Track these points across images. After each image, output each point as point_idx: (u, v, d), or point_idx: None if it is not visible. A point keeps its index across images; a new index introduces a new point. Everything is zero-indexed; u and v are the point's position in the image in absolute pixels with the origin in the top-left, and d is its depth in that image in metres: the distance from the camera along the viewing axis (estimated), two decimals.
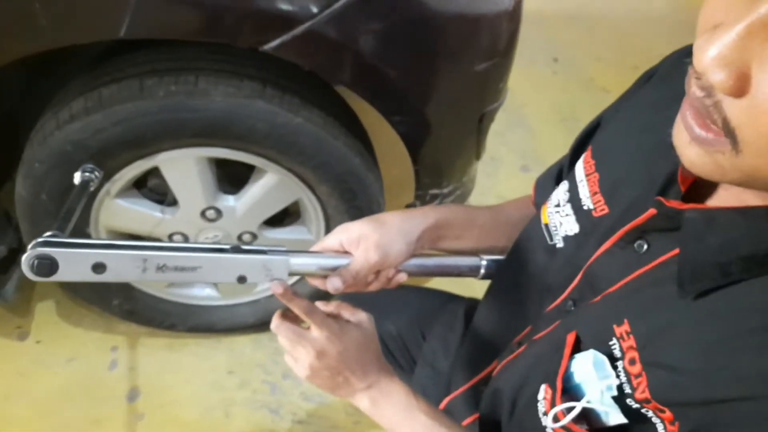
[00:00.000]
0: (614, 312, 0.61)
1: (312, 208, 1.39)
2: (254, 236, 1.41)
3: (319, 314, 0.69)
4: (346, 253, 0.77)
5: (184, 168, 1.24)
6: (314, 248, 0.79)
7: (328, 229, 1.43)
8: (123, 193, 1.29)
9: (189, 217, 1.33)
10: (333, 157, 1.26)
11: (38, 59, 1.06)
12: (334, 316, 0.72)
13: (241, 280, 0.70)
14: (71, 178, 1.14)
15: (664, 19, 3.37)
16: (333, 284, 0.74)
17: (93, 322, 1.64)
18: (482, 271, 0.85)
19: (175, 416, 1.49)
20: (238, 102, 1.14)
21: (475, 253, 0.87)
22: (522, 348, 0.76)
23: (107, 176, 1.22)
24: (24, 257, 0.65)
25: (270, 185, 1.31)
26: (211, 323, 1.59)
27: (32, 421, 1.45)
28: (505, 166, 2.33)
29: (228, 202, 1.34)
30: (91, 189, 1.03)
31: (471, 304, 1.08)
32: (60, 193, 1.19)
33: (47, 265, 0.65)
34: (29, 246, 0.66)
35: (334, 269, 0.75)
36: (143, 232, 1.36)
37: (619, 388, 0.58)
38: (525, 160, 2.39)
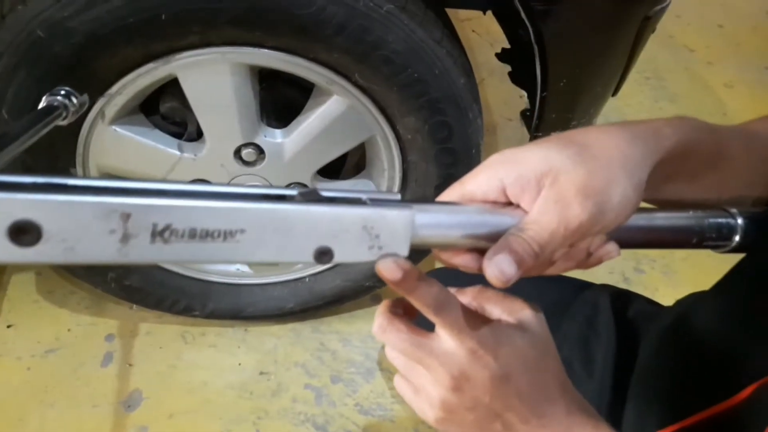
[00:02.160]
0: None
1: (386, 151, 0.99)
2: None
3: (457, 312, 0.38)
4: (509, 205, 0.40)
5: (214, 79, 0.84)
6: (445, 196, 0.42)
7: (405, 183, 1.04)
8: (124, 118, 0.89)
9: (218, 158, 0.94)
10: (431, 71, 0.86)
11: None
12: (473, 312, 0.41)
13: (323, 255, 0.34)
14: (47, 84, 0.75)
15: None
16: (499, 267, 0.37)
17: (82, 303, 1.28)
18: (736, 237, 0.48)
19: (188, 431, 1.11)
20: None
21: (711, 205, 0.49)
22: None
23: (99, 89, 0.83)
24: None
25: (334, 115, 0.92)
26: (238, 308, 1.20)
27: None
28: None
29: (273, 137, 0.94)
30: (61, 122, 0.66)
31: (616, 293, 0.76)
32: (30, 109, 0.80)
33: None
34: None
35: (495, 237, 0.38)
36: (153, 179, 0.96)
37: None
38: (609, 121, 2.00)
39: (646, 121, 0.43)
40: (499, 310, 0.42)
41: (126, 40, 0.76)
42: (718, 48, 2.51)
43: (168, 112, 0.93)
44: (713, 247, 0.49)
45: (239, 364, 1.22)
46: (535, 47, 0.85)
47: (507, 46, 1.11)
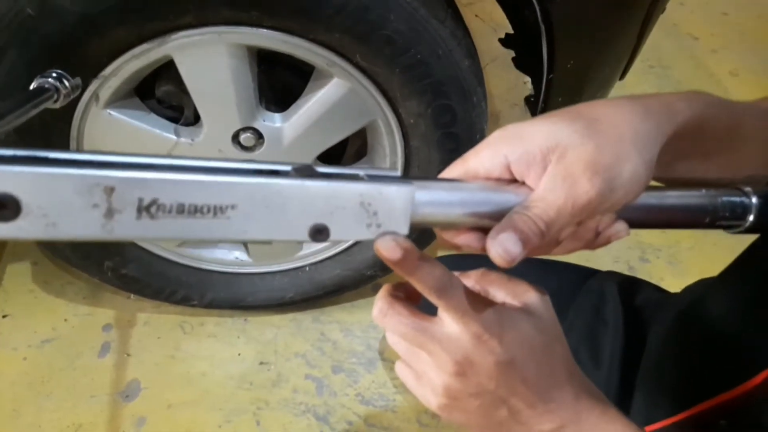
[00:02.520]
0: None
1: (388, 136, 0.97)
2: None
3: (460, 295, 0.36)
4: (514, 182, 0.38)
5: (210, 61, 0.82)
6: (447, 174, 0.40)
7: (407, 169, 1.02)
8: (119, 101, 0.87)
9: (216, 143, 0.91)
10: (435, 52, 0.84)
11: None
12: (477, 296, 0.38)
13: (319, 233, 0.33)
14: (38, 65, 0.73)
15: None
16: (503, 245, 0.36)
17: (79, 293, 1.25)
18: (750, 217, 0.46)
19: (187, 421, 1.10)
20: None
21: (724, 183, 0.47)
22: None
23: (93, 71, 0.80)
24: None
25: (334, 98, 0.90)
26: (237, 297, 1.18)
27: None
28: None
29: (272, 121, 0.92)
30: (53, 104, 0.64)
31: (623, 280, 0.74)
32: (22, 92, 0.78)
33: None
34: None
35: (499, 216, 0.37)
36: None
37: None
38: None
39: (657, 94, 0.41)
40: (503, 293, 0.40)
41: (119, 19, 0.74)
42: (722, 36, 2.47)
43: (164, 95, 0.91)
44: (726, 227, 0.47)
45: (239, 355, 1.20)
46: (542, 27, 0.83)
47: (510, 31, 1.09)
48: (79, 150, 0.26)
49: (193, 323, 1.24)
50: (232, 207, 0.30)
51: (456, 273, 0.39)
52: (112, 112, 0.86)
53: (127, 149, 0.92)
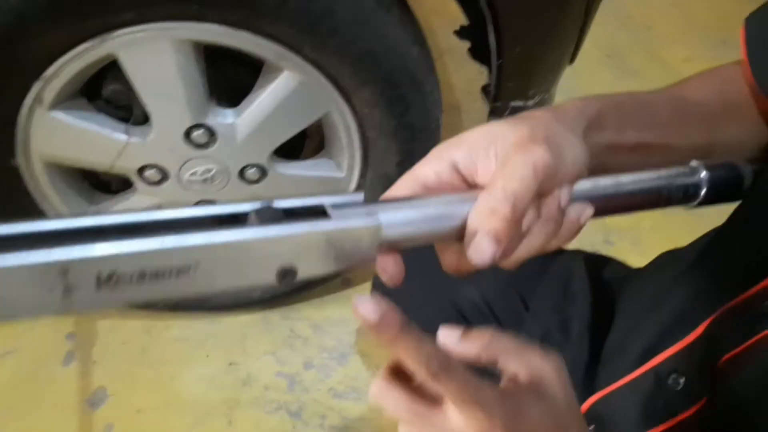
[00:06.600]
0: None
1: (343, 128, 0.97)
2: (263, 171, 0.99)
3: (460, 378, 0.32)
4: (471, 188, 0.39)
5: (155, 58, 0.81)
6: (401, 186, 0.40)
7: (366, 161, 1.02)
8: (65, 103, 0.86)
9: (167, 141, 0.90)
10: (383, 42, 0.84)
11: None
12: (478, 379, 0.33)
13: (286, 276, 0.32)
14: None
15: None
16: (480, 249, 0.35)
17: None
18: (702, 191, 0.48)
19: (156, 426, 1.09)
20: None
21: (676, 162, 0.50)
22: None
23: (34, 72, 0.79)
24: None
25: (286, 91, 0.90)
26: (203, 299, 1.17)
27: None
28: None
29: (225, 118, 0.91)
30: None
31: (589, 257, 0.76)
32: None
33: None
34: None
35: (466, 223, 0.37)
36: (100, 166, 0.93)
37: None
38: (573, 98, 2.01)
39: (569, 102, 0.45)
40: (515, 364, 0.36)
41: (57, 17, 0.73)
42: (675, 25, 2.54)
43: (111, 95, 0.90)
44: (681, 202, 0.48)
45: (207, 356, 1.19)
46: (488, 14, 0.84)
47: (465, 23, 1.10)
48: (15, 221, 0.25)
49: (159, 327, 1.22)
50: (195, 266, 0.29)
51: (459, 335, 0.35)
52: (58, 114, 0.85)
53: (77, 152, 0.91)
